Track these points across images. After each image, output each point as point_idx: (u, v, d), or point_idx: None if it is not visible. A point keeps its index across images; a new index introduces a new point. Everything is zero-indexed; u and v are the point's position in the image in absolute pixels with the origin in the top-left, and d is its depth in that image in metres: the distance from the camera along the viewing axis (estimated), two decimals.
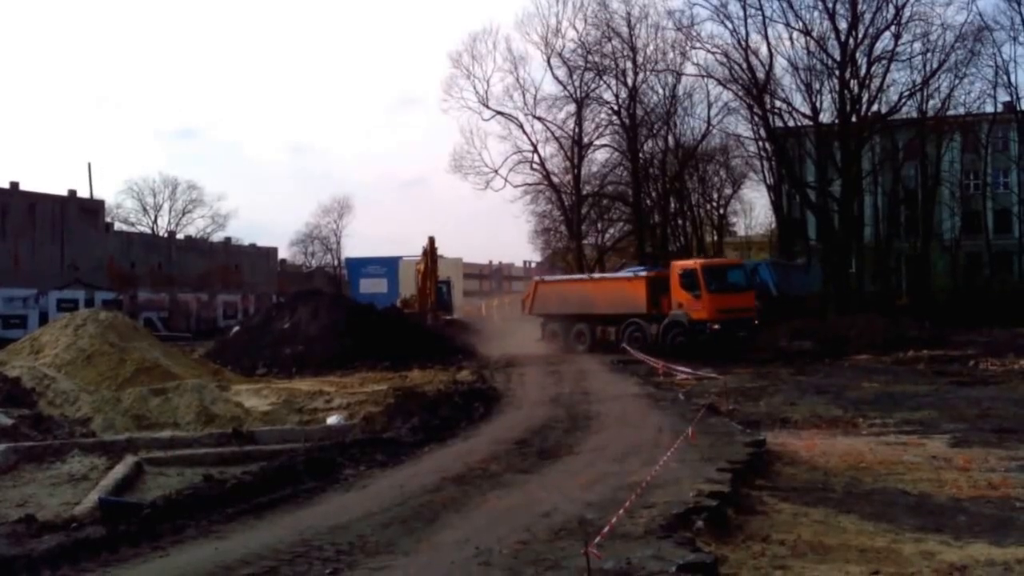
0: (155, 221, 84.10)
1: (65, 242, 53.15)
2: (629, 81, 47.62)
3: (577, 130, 46.64)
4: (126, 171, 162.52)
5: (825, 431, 13.91)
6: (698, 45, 47.75)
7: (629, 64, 47.50)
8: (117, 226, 70.39)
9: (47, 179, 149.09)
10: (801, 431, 13.96)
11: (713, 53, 45.93)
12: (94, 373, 19.67)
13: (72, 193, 56.71)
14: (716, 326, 28.58)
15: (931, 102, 47.39)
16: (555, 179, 48.08)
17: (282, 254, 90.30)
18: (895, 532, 7.82)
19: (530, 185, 49.29)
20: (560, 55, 46.68)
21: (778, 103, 46.40)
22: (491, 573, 6.29)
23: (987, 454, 11.47)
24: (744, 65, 44.32)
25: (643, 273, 32.47)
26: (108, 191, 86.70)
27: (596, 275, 37.41)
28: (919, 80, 45.80)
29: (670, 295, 29.95)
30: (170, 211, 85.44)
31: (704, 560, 6.23)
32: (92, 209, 58.00)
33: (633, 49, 47.18)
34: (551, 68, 47.24)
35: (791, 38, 46.24)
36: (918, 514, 8.52)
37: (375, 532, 7.71)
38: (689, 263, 31.23)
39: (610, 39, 46.93)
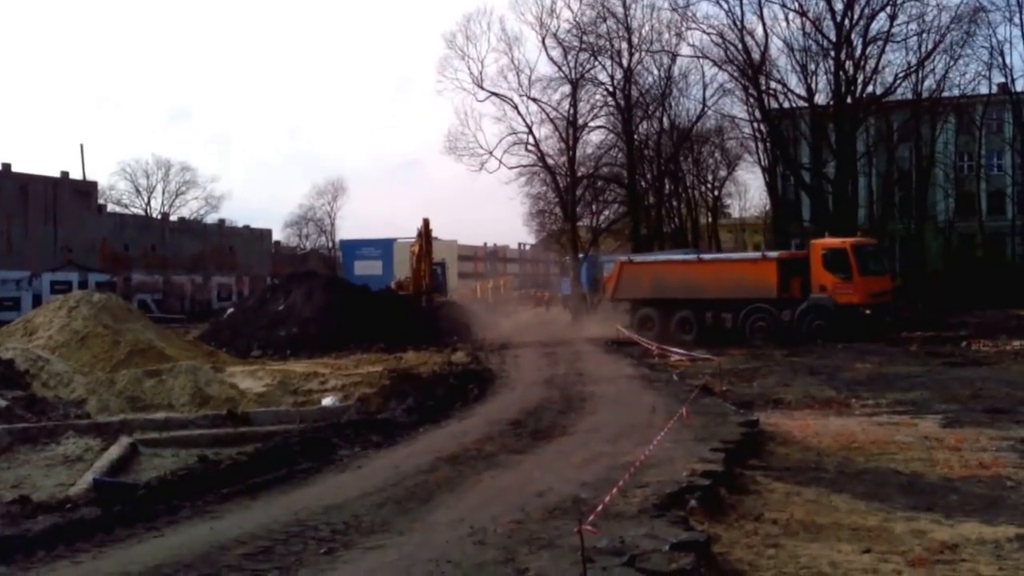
0: (148, 203, 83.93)
1: (58, 224, 52.97)
2: (624, 62, 47.44)
3: (572, 111, 46.45)
4: (119, 152, 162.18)
5: (818, 411, 13.96)
6: (693, 26, 47.66)
7: (624, 45, 47.31)
8: (110, 208, 70.13)
9: (39, 161, 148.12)
10: (794, 411, 14.00)
11: (708, 34, 45.78)
12: (88, 355, 19.69)
13: (65, 175, 56.45)
14: (868, 311, 26.72)
15: (926, 83, 47.36)
16: (550, 161, 47.92)
17: (276, 236, 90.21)
18: (887, 511, 7.86)
19: (525, 167, 49.12)
20: (555, 35, 46.40)
21: (773, 84, 46.28)
22: (485, 552, 6.30)
23: (979, 434, 11.53)
24: (739, 46, 44.16)
25: (773, 254, 30.26)
26: (101, 173, 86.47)
27: (707, 255, 33.77)
28: (914, 61, 45.71)
29: (805, 278, 27.58)
30: (163, 193, 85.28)
31: (697, 539, 6.25)
32: (85, 191, 57.78)
33: (628, 29, 46.97)
34: (546, 49, 46.99)
35: (787, 19, 46.14)
36: (910, 493, 8.56)
37: (370, 512, 7.73)
38: (836, 242, 28.37)
39: (605, 19, 46.68)
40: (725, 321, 28.45)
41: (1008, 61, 66.31)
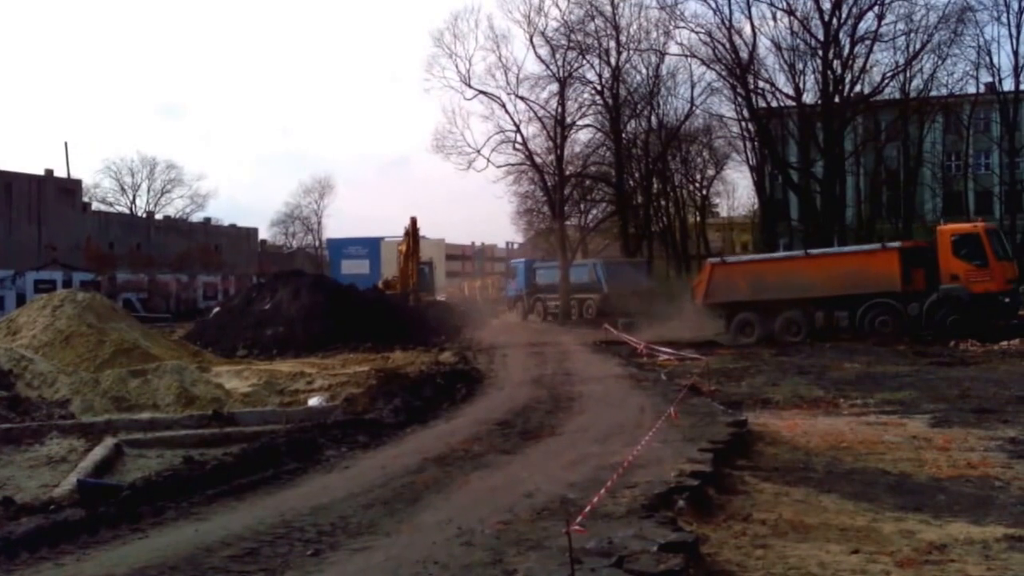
0: (133, 201, 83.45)
1: (42, 222, 52.68)
2: (612, 60, 47.42)
3: (560, 110, 46.32)
4: (104, 150, 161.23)
5: (806, 411, 13.98)
6: (682, 24, 47.63)
7: (612, 43, 47.27)
8: (95, 206, 69.83)
9: (23, 158, 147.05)
10: (783, 411, 14.02)
11: (697, 32, 45.86)
12: (72, 354, 19.51)
13: (49, 172, 56.12)
14: (1007, 299, 25.43)
15: (914, 83, 47.64)
16: (538, 159, 47.77)
17: (262, 235, 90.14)
18: (875, 511, 7.86)
19: (512, 165, 48.94)
20: (543, 34, 46.24)
21: (761, 83, 46.40)
22: (473, 553, 6.26)
23: (967, 434, 11.56)
24: (727, 45, 44.25)
25: (894, 244, 28.39)
26: (86, 171, 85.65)
27: (815, 251, 31.55)
28: (902, 61, 45.92)
29: (928, 268, 26.11)
30: (148, 191, 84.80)
31: (685, 539, 6.22)
32: (69, 189, 57.47)
33: (616, 28, 46.94)
34: (534, 47, 46.82)
35: (775, 18, 46.20)
36: (898, 493, 8.57)
37: (357, 513, 7.68)
38: (967, 227, 27.00)
39: (593, 18, 46.60)
40: (840, 320, 27.05)
41: (995, 61, 66.86)
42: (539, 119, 46.76)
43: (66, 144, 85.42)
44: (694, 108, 50.44)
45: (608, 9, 46.63)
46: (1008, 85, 48.86)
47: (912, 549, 6.69)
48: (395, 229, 47.07)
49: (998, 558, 6.47)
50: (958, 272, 25.47)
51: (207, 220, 78.86)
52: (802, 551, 6.62)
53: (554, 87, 46.10)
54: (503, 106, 46.05)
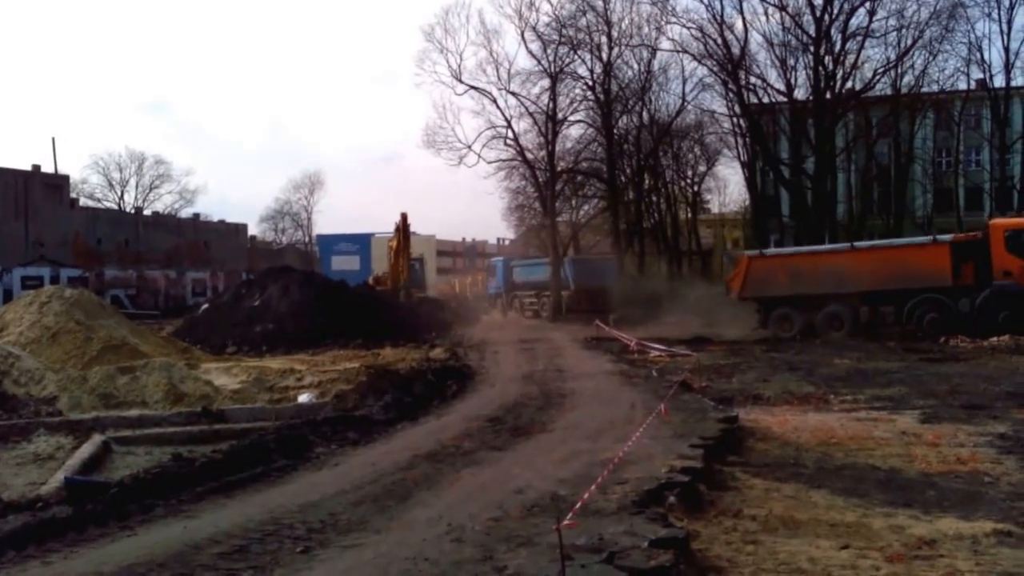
0: (121, 197, 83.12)
1: (29, 218, 52.36)
2: (604, 56, 47.32)
3: (551, 105, 46.21)
4: (92, 146, 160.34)
5: (797, 407, 14.00)
6: (673, 20, 47.60)
7: (604, 39, 47.18)
8: (83, 202, 69.45)
9: (9, 153, 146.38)
10: (773, 407, 14.04)
11: (688, 28, 45.84)
12: (60, 351, 19.41)
13: (36, 168, 55.75)
14: None
15: (905, 79, 47.74)
16: (529, 155, 47.70)
17: (252, 231, 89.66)
18: (865, 507, 7.87)
19: (504, 161, 48.86)
20: (534, 29, 46.13)
21: (753, 79, 46.45)
22: (463, 550, 6.24)
23: (956, 430, 11.59)
24: (719, 40, 44.28)
25: (945, 238, 27.89)
26: (73, 166, 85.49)
27: (860, 244, 30.91)
28: (893, 57, 46.02)
29: (980, 263, 25.67)
30: (137, 187, 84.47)
31: (676, 535, 6.22)
32: (57, 184, 57.12)
33: (608, 23, 46.86)
34: (525, 42, 46.69)
35: (766, 13, 46.26)
36: (888, 489, 8.58)
37: (346, 510, 7.64)
38: (1020, 222, 26.66)
39: (585, 13, 46.51)
40: (886, 315, 26.79)
41: (987, 57, 66.92)
42: (530, 115, 46.72)
43: (53, 139, 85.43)
44: (686, 104, 50.49)
45: (600, 4, 46.58)
46: (999, 81, 49.15)
47: (901, 544, 6.70)
48: (386, 225, 46.96)
49: (987, 553, 6.49)
50: (1011, 268, 25.12)
51: (196, 216, 78.45)
52: (792, 547, 6.62)
53: (545, 82, 46.04)
54: (494, 101, 45.98)
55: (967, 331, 24.40)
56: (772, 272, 29.05)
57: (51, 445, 11.76)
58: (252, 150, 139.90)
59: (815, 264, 28.74)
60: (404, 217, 37.78)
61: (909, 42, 44.88)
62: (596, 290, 40.34)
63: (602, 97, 47.48)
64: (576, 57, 47.05)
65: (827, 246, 33.38)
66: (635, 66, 49.73)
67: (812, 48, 44.00)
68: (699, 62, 46.83)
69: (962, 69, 49.09)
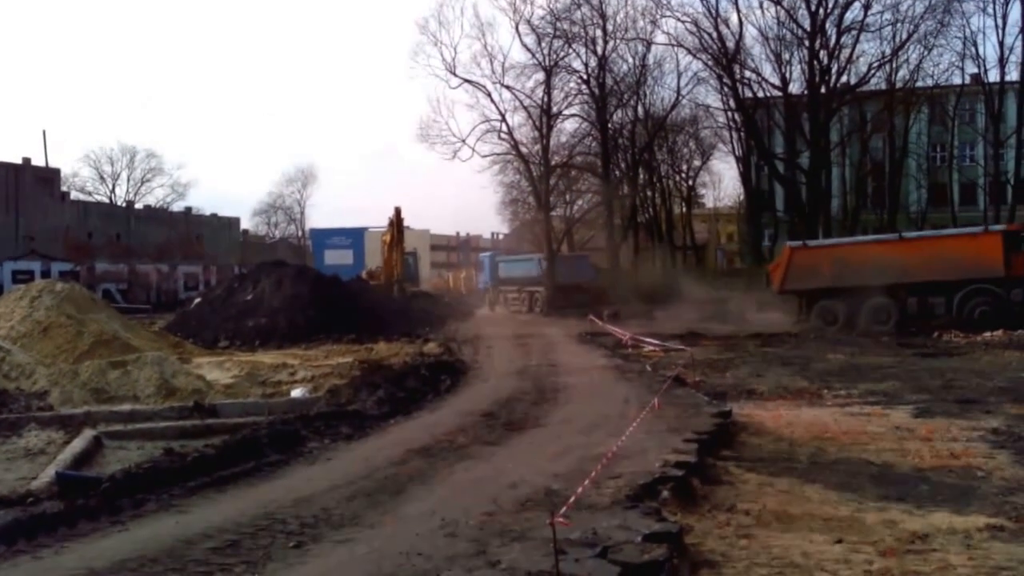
0: (113, 190, 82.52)
1: (20, 212, 52.18)
2: (599, 49, 47.37)
3: (546, 99, 46.23)
4: (83, 139, 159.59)
5: (791, 402, 14.01)
6: (668, 14, 48.08)
7: (599, 32, 47.22)
8: (74, 195, 69.04)
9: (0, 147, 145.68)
10: (767, 402, 14.04)
11: (683, 22, 46.02)
12: (51, 346, 19.30)
13: (27, 161, 55.53)
14: None
15: (900, 73, 47.96)
16: (523, 149, 47.69)
17: (244, 224, 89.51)
18: (859, 501, 7.87)
19: (498, 155, 48.88)
20: (528, 22, 46.14)
21: (748, 73, 46.65)
22: (457, 545, 6.22)
23: (949, 424, 11.60)
24: (714, 34, 44.40)
25: (997, 227, 27.55)
26: (64, 159, 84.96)
27: (909, 234, 30.31)
28: (888, 51, 46.21)
29: None
30: (128, 180, 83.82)
31: (670, 530, 6.22)
32: (47, 178, 56.91)
33: (603, 16, 46.89)
34: (519, 35, 46.70)
35: (761, 7, 46.64)
36: (881, 484, 8.58)
37: (340, 505, 7.62)
38: None
39: (579, 6, 46.52)
40: (935, 307, 26.27)
41: (981, 52, 67.24)
42: (525, 108, 46.73)
43: (44, 132, 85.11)
44: (680, 98, 50.62)
45: None
46: (993, 76, 49.41)
47: (895, 539, 6.70)
48: (379, 219, 47.03)
49: (979, 548, 6.50)
50: None
51: (188, 210, 78.23)
52: (786, 541, 6.62)
53: (540, 76, 46.07)
54: (488, 95, 45.98)
55: (1020, 323, 23.96)
56: (816, 264, 28.44)
57: (42, 440, 11.71)
58: (245, 144, 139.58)
59: (861, 255, 27.96)
60: (398, 211, 37.78)
61: (904, 36, 45.10)
62: (572, 287, 40.87)
63: (597, 91, 47.48)
64: (571, 51, 47.12)
65: (873, 236, 32.96)
66: (630, 60, 49.86)
67: (807, 42, 44.08)
68: (694, 56, 47.00)
69: (957, 64, 49.37)
